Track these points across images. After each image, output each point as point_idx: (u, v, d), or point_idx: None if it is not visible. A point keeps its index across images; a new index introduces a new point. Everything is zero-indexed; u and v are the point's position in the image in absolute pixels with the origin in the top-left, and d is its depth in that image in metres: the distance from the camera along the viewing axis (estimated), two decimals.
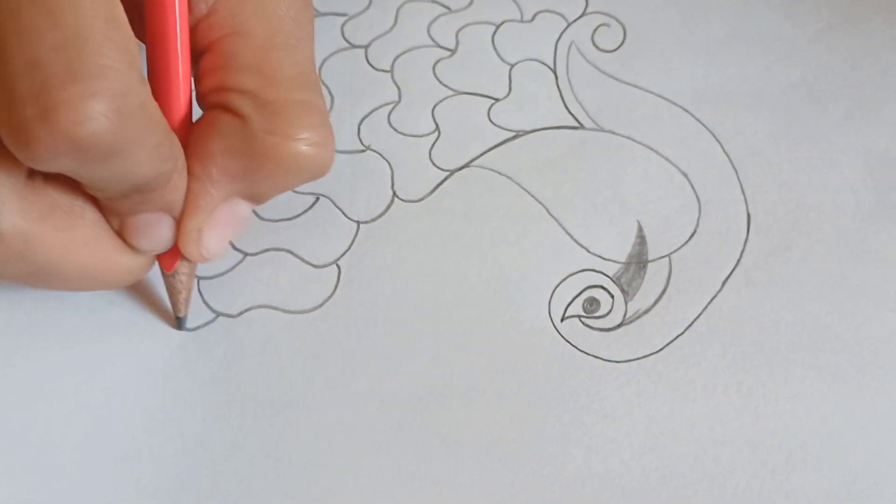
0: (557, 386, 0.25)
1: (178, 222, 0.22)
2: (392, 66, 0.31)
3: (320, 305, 0.26)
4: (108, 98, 0.18)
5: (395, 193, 0.28)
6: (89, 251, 0.22)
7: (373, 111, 0.30)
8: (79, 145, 0.18)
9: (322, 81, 0.30)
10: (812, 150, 0.29)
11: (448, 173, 0.29)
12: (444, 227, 0.28)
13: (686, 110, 0.30)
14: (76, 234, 0.22)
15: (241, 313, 0.26)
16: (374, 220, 0.28)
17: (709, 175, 0.29)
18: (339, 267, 0.27)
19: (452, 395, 0.25)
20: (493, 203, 0.28)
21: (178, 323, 0.25)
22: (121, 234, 0.23)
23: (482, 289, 0.27)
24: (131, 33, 0.19)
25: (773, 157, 0.29)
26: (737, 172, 0.29)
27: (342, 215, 0.28)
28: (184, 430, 0.24)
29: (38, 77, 0.17)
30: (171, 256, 0.24)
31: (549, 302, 0.27)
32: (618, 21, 0.32)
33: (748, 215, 0.28)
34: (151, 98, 0.20)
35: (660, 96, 0.30)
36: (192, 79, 0.23)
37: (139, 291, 0.26)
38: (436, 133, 0.29)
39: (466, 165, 0.29)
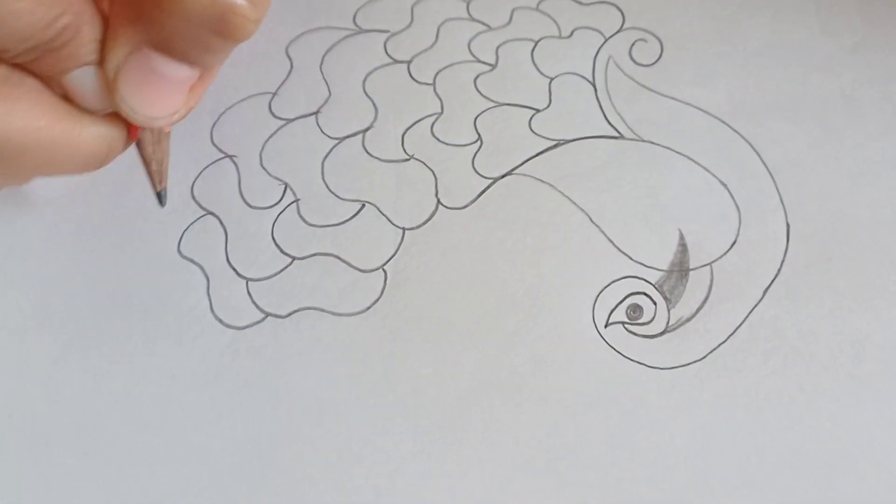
0: (602, 391, 0.25)
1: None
2: (434, 79, 0.31)
3: (367, 309, 0.27)
4: None
5: (439, 201, 0.29)
6: (42, 118, 0.21)
7: (416, 122, 0.30)
8: None
9: (366, 94, 0.31)
10: (850, 161, 0.30)
11: (491, 181, 0.29)
12: (488, 233, 0.28)
13: (723, 121, 0.30)
14: (19, 102, 0.21)
15: (289, 314, 0.27)
16: (419, 226, 0.28)
17: (748, 185, 0.29)
18: (385, 272, 0.27)
19: (497, 399, 0.25)
20: (536, 210, 0.29)
21: (158, 198, 0.25)
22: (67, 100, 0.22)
23: (526, 295, 0.27)
24: None
25: (811, 168, 0.29)
26: (775, 182, 0.29)
27: (388, 222, 0.28)
28: (233, 427, 0.25)
29: None
30: (130, 126, 0.23)
31: (593, 308, 0.27)
32: (654, 36, 0.32)
33: (787, 225, 0.28)
34: None
35: (698, 108, 0.31)
36: None
37: (187, 290, 0.27)
38: (478, 142, 0.30)
39: (509, 173, 0.29)
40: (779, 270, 0.28)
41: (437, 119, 0.30)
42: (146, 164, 0.24)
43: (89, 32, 0.21)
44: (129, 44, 0.21)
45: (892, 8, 0.33)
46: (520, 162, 0.29)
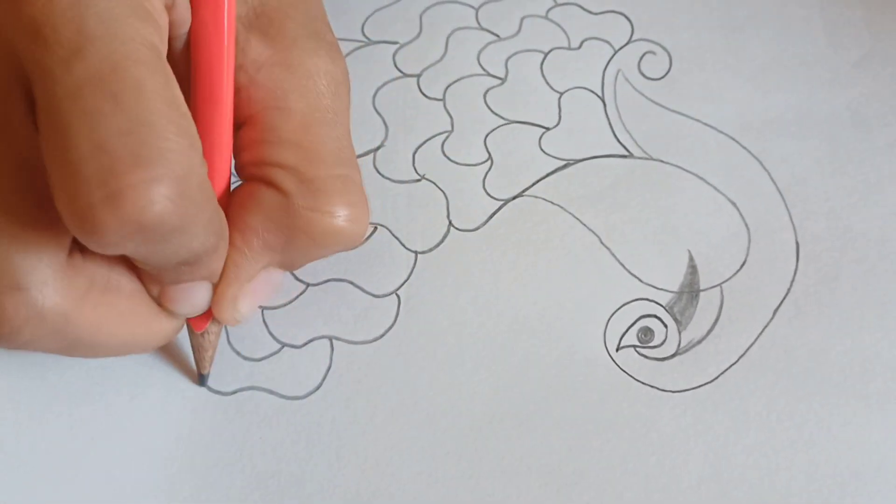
0: (614, 415, 0.26)
1: (216, 288, 0.23)
2: (444, 94, 0.31)
3: (382, 336, 0.27)
4: (171, 181, 0.18)
5: (450, 223, 0.29)
6: (126, 323, 0.22)
7: (426, 141, 0.30)
8: (144, 228, 0.18)
9: (376, 110, 0.31)
10: (858, 177, 0.30)
11: (502, 202, 0.29)
12: (500, 256, 0.28)
13: (732, 138, 0.31)
14: (113, 308, 0.22)
15: (304, 344, 0.27)
16: (431, 249, 0.28)
17: (757, 204, 0.29)
18: (398, 297, 0.27)
19: (511, 423, 0.26)
20: (547, 233, 0.29)
21: (200, 380, 0.26)
22: (159, 300, 0.23)
23: (538, 318, 0.27)
24: (189, 113, 0.19)
25: (819, 185, 0.30)
26: (784, 200, 0.29)
27: (400, 245, 0.28)
28: (253, 461, 0.25)
29: (104, 162, 0.17)
30: (202, 318, 0.24)
31: (605, 332, 0.27)
32: (663, 48, 0.32)
33: (797, 244, 0.29)
34: (207, 176, 0.20)
35: (706, 124, 0.31)
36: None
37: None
38: (489, 162, 0.30)
39: (520, 195, 0.29)
40: (788, 290, 0.28)
41: (447, 137, 0.30)
42: (200, 350, 0.25)
43: (223, 250, 0.22)
44: (261, 266, 0.23)
45: None
46: (530, 183, 0.29)
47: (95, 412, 0.26)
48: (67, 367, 0.26)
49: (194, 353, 0.25)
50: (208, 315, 0.24)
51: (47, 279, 0.20)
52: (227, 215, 0.22)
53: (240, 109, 0.22)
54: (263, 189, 0.22)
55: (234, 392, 0.26)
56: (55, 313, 0.21)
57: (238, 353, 0.26)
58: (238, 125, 0.23)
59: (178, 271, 0.21)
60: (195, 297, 0.23)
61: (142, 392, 0.26)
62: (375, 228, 0.28)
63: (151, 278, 0.23)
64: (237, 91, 0.22)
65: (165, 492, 0.25)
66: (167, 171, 0.18)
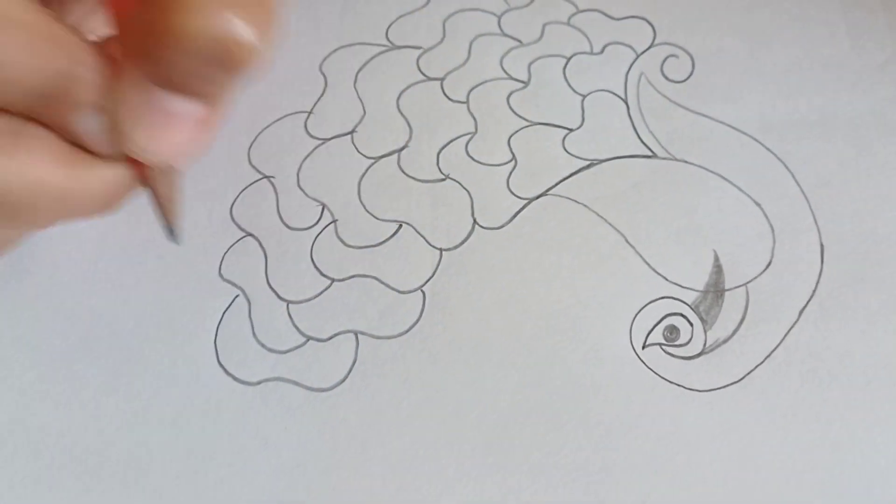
0: (641, 413, 0.26)
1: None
2: (467, 97, 0.31)
3: (407, 331, 0.27)
4: None
5: (475, 221, 0.29)
6: (49, 167, 0.21)
7: (451, 141, 0.30)
8: None
9: (400, 112, 0.31)
10: (882, 180, 0.30)
11: (526, 201, 0.29)
12: (525, 254, 0.28)
13: (756, 139, 0.31)
14: (30, 154, 0.21)
15: (330, 338, 0.27)
16: (456, 247, 0.28)
17: (781, 205, 0.29)
18: (423, 293, 0.27)
19: (537, 420, 0.26)
20: (571, 231, 0.29)
21: (170, 235, 0.24)
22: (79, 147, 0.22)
23: (564, 316, 0.27)
24: None
25: (843, 187, 0.29)
26: (808, 202, 0.29)
27: (425, 242, 0.28)
28: (279, 452, 0.25)
29: None
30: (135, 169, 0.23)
31: (631, 330, 0.27)
32: (686, 52, 0.32)
33: (821, 245, 0.28)
34: (26, 7, 0.19)
35: (730, 126, 0.31)
36: None
37: (230, 314, 0.27)
38: (513, 162, 0.30)
39: (544, 194, 0.29)
40: (814, 291, 0.28)
41: (471, 138, 0.30)
42: (158, 203, 0.23)
43: (89, 76, 0.21)
44: (132, 83, 0.21)
45: None
46: (554, 182, 0.30)
47: (118, 403, 0.26)
48: (93, 359, 0.26)
49: (152, 205, 0.24)
50: (136, 165, 0.22)
51: None
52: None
53: None
54: None
55: (259, 382, 0.26)
56: None
57: (263, 345, 0.26)
58: None
59: (52, 108, 0.20)
60: (89, 127, 0.21)
61: (166, 382, 0.26)
62: (400, 226, 0.29)
63: (56, 127, 0.21)
64: None
65: (189, 480, 0.25)
66: None
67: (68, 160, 0.21)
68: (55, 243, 0.29)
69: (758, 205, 0.29)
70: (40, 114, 0.21)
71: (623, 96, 0.32)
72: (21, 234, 0.23)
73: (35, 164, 0.21)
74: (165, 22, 0.19)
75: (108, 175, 0.22)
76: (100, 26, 0.22)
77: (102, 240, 0.29)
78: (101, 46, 0.21)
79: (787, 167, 0.30)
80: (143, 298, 0.27)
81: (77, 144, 0.22)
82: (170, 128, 0.21)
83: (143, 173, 0.23)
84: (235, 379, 0.26)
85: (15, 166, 0.20)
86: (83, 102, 0.21)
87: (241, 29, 0.19)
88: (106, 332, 0.27)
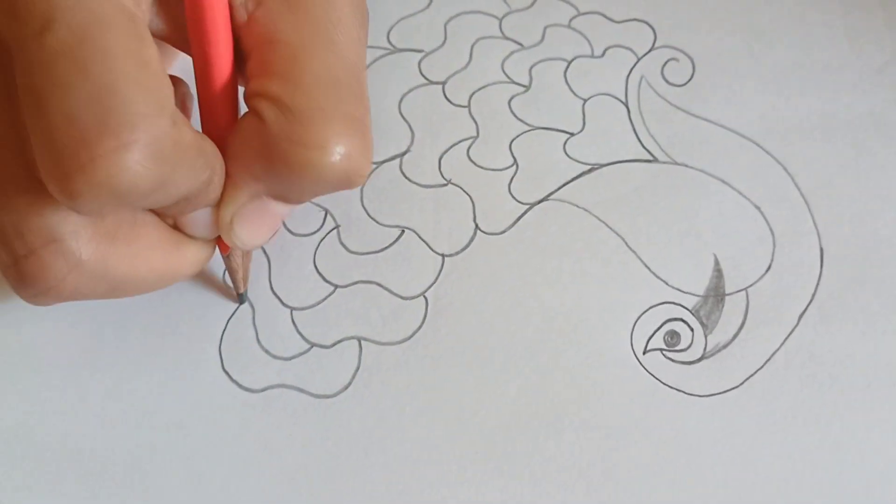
0: (642, 419, 0.26)
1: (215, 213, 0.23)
2: (469, 101, 0.31)
3: (410, 337, 0.27)
4: (141, 146, 0.18)
5: (477, 226, 0.29)
6: (157, 252, 0.23)
7: (452, 146, 0.30)
8: (120, 194, 0.19)
9: (402, 116, 0.31)
10: (882, 183, 0.30)
11: (528, 206, 0.29)
12: (526, 259, 0.28)
13: (756, 143, 0.31)
14: (144, 240, 0.23)
15: (333, 344, 0.27)
16: (458, 252, 0.29)
17: (781, 208, 0.29)
18: (426, 299, 0.28)
19: (539, 425, 0.26)
20: (573, 236, 0.29)
21: (239, 299, 0.27)
22: (177, 228, 0.24)
23: (565, 321, 0.27)
24: (163, 69, 0.20)
25: (843, 190, 0.30)
26: (808, 206, 0.29)
27: (427, 248, 0.28)
28: (282, 458, 0.25)
29: (74, 131, 0.18)
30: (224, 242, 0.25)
31: (631, 335, 0.27)
32: (686, 55, 0.33)
33: (821, 249, 0.29)
34: (186, 129, 0.20)
35: (730, 129, 0.31)
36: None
37: (234, 321, 0.27)
38: (514, 167, 0.30)
39: (545, 199, 0.30)
40: (813, 295, 0.28)
41: (473, 143, 0.30)
42: (231, 271, 0.26)
43: (220, 181, 0.22)
44: (249, 194, 0.23)
45: None
46: (555, 187, 0.30)
47: (123, 409, 0.26)
48: (97, 366, 0.26)
49: (229, 273, 0.27)
50: (221, 244, 0.25)
51: (78, 227, 0.21)
52: (230, 144, 0.22)
53: (243, 45, 0.22)
54: (249, 117, 0.22)
55: (263, 389, 0.26)
56: (94, 260, 0.21)
57: (267, 352, 0.27)
58: (244, 60, 0.23)
59: (179, 207, 0.22)
60: (201, 222, 0.23)
61: (171, 389, 0.26)
62: (402, 232, 0.29)
63: (163, 214, 0.23)
64: (238, 29, 0.22)
65: (193, 486, 0.25)
66: (136, 137, 0.18)
67: (172, 246, 0.24)
68: None
69: (758, 208, 0.29)
70: (163, 210, 0.23)
71: (624, 100, 0.32)
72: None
73: (147, 251, 0.23)
74: (299, 156, 0.21)
75: (202, 254, 0.25)
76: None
77: None
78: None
79: (786, 170, 0.30)
80: (147, 304, 0.27)
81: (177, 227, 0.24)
82: (271, 226, 0.24)
83: (225, 249, 0.26)
84: (240, 386, 0.26)
85: (131, 255, 0.22)
86: (210, 203, 0.23)
87: (358, 164, 0.22)
88: (110, 338, 0.27)
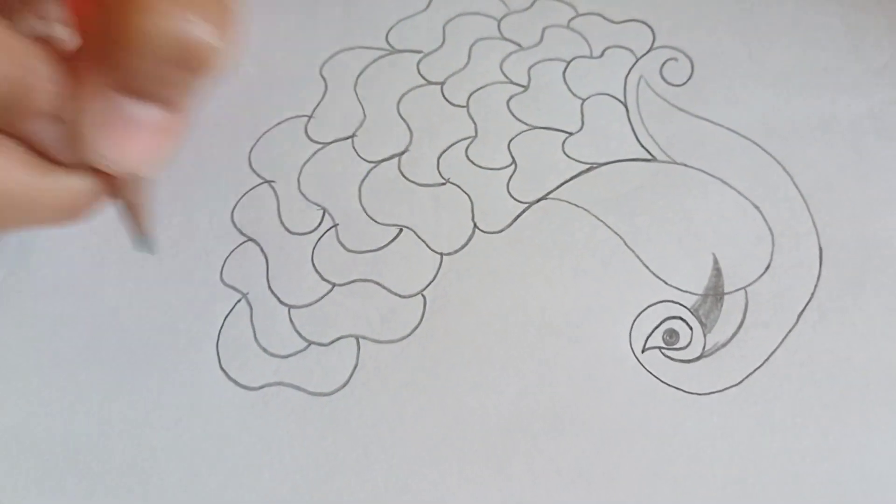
0: (642, 417, 0.26)
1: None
2: (468, 101, 0.31)
3: (408, 335, 0.27)
4: None
5: (475, 225, 0.29)
6: (7, 172, 0.21)
7: (451, 146, 0.30)
8: None
9: (401, 116, 0.31)
10: (881, 184, 0.30)
11: (526, 205, 0.29)
12: (525, 258, 0.28)
13: (755, 143, 0.31)
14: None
15: (331, 342, 0.27)
16: (456, 251, 0.28)
17: (780, 208, 0.29)
18: (424, 297, 0.28)
19: (538, 423, 0.26)
20: (572, 235, 0.29)
21: (144, 247, 0.24)
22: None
23: (564, 320, 0.27)
24: None
25: (842, 191, 0.30)
26: (808, 205, 0.29)
27: (426, 247, 0.28)
28: (281, 456, 0.25)
29: None
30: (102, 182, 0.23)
31: (630, 333, 0.27)
32: (685, 55, 0.33)
33: (820, 249, 0.29)
34: None
35: (729, 129, 0.31)
36: None
37: (231, 319, 0.27)
38: (513, 166, 0.30)
39: (544, 198, 0.29)
40: (812, 295, 0.28)
41: (471, 142, 0.31)
42: (127, 212, 0.23)
43: (43, 84, 0.20)
44: (93, 90, 0.20)
45: None
46: (554, 186, 0.30)
47: (122, 408, 0.26)
48: (96, 365, 0.26)
49: (120, 215, 0.24)
50: (102, 175, 0.22)
51: None
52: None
53: None
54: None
55: (261, 387, 0.26)
56: None
57: (265, 350, 0.27)
58: None
59: (6, 117, 0.20)
60: (47, 135, 0.21)
61: (169, 387, 0.26)
62: (401, 230, 0.29)
63: (17, 137, 0.21)
64: None
65: (192, 484, 0.25)
66: None
67: (31, 169, 0.21)
68: (58, 249, 0.29)
69: (757, 208, 0.29)
70: None
71: (623, 100, 0.32)
72: None
73: (7, 170, 0.20)
74: (123, 25, 0.19)
75: (73, 184, 0.22)
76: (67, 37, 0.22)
77: (105, 245, 0.29)
78: (61, 56, 0.20)
79: (786, 170, 0.30)
80: (146, 303, 0.27)
81: (42, 154, 0.21)
82: (132, 135, 0.21)
83: (111, 183, 0.22)
84: (237, 384, 0.26)
85: None
86: (38, 111, 0.20)
87: (199, 29, 0.19)
88: (109, 337, 0.27)
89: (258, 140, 0.31)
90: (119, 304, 0.27)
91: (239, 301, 0.27)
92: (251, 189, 0.30)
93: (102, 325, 0.27)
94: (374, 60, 0.32)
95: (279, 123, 0.31)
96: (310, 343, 0.27)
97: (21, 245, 0.29)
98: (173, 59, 0.19)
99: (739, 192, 0.30)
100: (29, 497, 0.25)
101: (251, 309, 0.27)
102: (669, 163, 0.30)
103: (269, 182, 0.30)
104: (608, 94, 0.32)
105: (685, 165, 0.30)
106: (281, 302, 0.27)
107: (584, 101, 0.32)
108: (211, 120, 0.30)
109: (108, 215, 0.29)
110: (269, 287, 0.28)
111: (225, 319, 0.27)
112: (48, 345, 0.27)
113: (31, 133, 0.21)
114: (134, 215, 0.23)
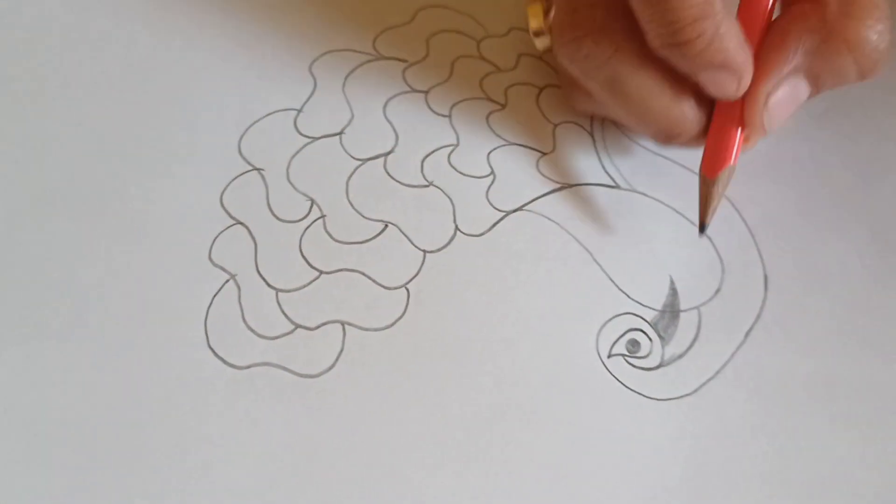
0: (605, 417, 0.27)
1: (751, 89, 0.27)
2: (450, 111, 0.33)
3: (392, 325, 0.28)
4: (730, 35, 0.26)
5: (457, 227, 0.30)
6: (657, 88, 0.27)
7: (434, 150, 0.32)
8: (718, 60, 0.26)
9: (387, 119, 0.32)
10: (820, 217, 0.32)
11: (504, 213, 0.31)
12: (503, 262, 0.30)
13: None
14: (650, 72, 0.27)
15: (318, 326, 0.27)
16: (438, 250, 0.29)
17: (730, 239, 0.32)
18: (408, 290, 0.28)
19: (513, 416, 0.27)
20: (546, 245, 0.30)
21: (701, 229, 0.30)
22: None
23: (538, 322, 0.29)
24: None
25: (786, 224, 0.32)
26: (753, 237, 0.32)
27: (409, 243, 0.29)
28: (267, 436, 0.25)
29: (687, 15, 0.25)
30: (716, 164, 0.28)
31: (597, 339, 0.29)
32: None
33: (765, 276, 0.31)
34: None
35: (683, 166, 0.33)
36: None
37: (219, 299, 0.27)
38: (492, 176, 0.31)
39: (520, 209, 0.31)
40: (758, 316, 0.30)
41: (453, 150, 0.32)
42: (707, 200, 0.29)
43: (727, 34, 0.26)
44: (792, 67, 0.26)
45: None
46: (529, 199, 0.31)
47: (109, 384, 0.25)
48: (83, 340, 0.26)
49: (700, 202, 0.29)
50: (723, 161, 0.28)
51: (625, 40, 0.27)
52: (769, 30, 0.27)
53: None
54: (805, 4, 0.26)
55: (249, 367, 0.26)
56: (619, 58, 0.27)
57: (252, 330, 0.27)
58: None
59: (678, 55, 0.26)
60: (720, 83, 0.27)
61: (156, 363, 0.26)
62: (386, 226, 0.30)
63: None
64: None
65: (179, 460, 0.24)
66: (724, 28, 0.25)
67: (675, 91, 0.28)
68: (45, 224, 0.28)
69: (708, 238, 0.32)
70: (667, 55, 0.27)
71: (589, 130, 0.34)
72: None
73: (650, 79, 0.27)
74: (848, 28, 0.25)
75: (693, 115, 0.28)
76: None
77: (91, 221, 0.28)
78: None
79: (734, 206, 0.32)
80: (134, 279, 0.27)
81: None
82: (789, 113, 0.28)
83: (712, 173, 0.28)
84: (225, 362, 0.26)
85: (641, 75, 0.27)
86: (717, 61, 0.26)
87: (886, 47, 0.26)
88: (96, 312, 0.26)
89: (248, 129, 0.31)
90: (107, 278, 0.27)
91: (227, 281, 0.27)
92: (240, 174, 0.30)
93: (90, 298, 0.26)
94: (362, 64, 0.33)
95: (269, 115, 0.31)
96: (297, 326, 0.27)
97: None
98: (865, 69, 0.26)
99: (692, 223, 0.32)
100: (14, 472, 0.24)
101: (239, 290, 0.27)
102: (630, 191, 0.32)
103: (258, 169, 0.30)
104: (576, 123, 0.34)
105: (644, 195, 0.32)
106: (269, 285, 0.28)
107: (556, 126, 0.33)
108: (201, 104, 0.31)
109: (100, 189, 0.29)
110: (258, 270, 0.28)
111: (213, 299, 0.27)
112: (34, 318, 0.26)
113: (703, 77, 0.27)
114: (707, 202, 0.29)
